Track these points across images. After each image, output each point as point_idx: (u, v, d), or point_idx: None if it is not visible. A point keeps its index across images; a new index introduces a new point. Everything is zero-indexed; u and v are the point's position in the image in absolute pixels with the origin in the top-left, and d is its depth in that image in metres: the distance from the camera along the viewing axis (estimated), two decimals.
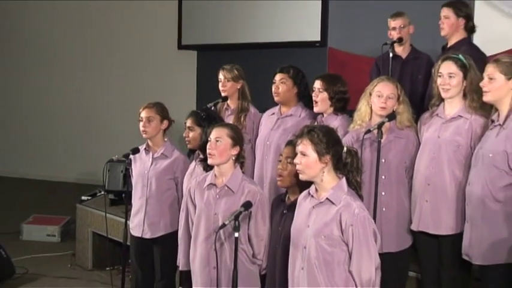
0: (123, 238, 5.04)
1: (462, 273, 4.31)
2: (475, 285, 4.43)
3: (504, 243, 3.86)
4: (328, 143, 3.48)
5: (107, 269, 6.79)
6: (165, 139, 5.06)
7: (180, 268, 4.64)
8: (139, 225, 5.02)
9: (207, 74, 8.62)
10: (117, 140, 8.73)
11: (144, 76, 10.07)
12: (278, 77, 5.13)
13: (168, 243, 4.86)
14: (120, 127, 9.47)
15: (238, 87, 5.51)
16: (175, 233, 4.70)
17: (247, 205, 3.89)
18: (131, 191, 5.11)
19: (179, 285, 4.96)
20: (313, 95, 4.89)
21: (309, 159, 3.48)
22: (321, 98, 4.83)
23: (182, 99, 8.70)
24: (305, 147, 3.48)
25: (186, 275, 4.55)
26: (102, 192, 7.23)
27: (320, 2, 8.07)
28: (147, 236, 4.99)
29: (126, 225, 5.01)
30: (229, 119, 5.37)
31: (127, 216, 5.02)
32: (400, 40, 5.59)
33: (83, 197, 7.51)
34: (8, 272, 6.63)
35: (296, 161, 3.53)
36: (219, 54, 8.73)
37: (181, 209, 4.62)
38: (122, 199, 6.72)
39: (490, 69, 3.96)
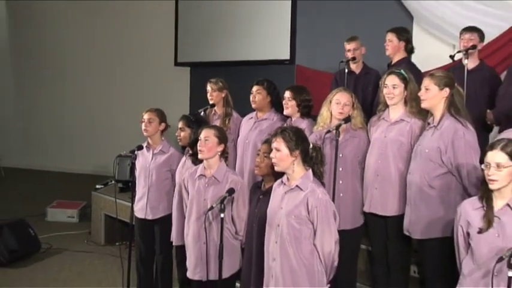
0: (129, 219, 4.96)
1: (404, 246, 4.30)
2: (414, 255, 4.43)
3: (439, 221, 3.85)
4: (298, 140, 3.46)
5: (116, 244, 6.84)
6: (162, 138, 4.99)
7: (174, 243, 4.61)
8: (142, 208, 4.94)
9: (198, 86, 8.54)
10: (123, 139, 8.57)
11: (147, 88, 9.99)
12: (255, 88, 5.10)
13: (166, 223, 4.78)
14: (126, 129, 9.30)
15: (223, 96, 5.49)
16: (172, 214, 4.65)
17: (231, 191, 3.88)
18: (136, 181, 5.03)
19: (175, 257, 4.91)
20: (283, 102, 4.86)
21: (282, 154, 3.45)
22: (290, 105, 4.80)
23: (177, 107, 8.55)
24: (279, 144, 3.46)
25: (179, 249, 4.52)
26: (113, 182, 7.19)
27: (289, 28, 8.06)
28: (149, 217, 4.92)
29: (132, 208, 4.92)
30: (216, 122, 5.33)
31: (133, 201, 4.94)
32: (353, 59, 5.56)
33: (97, 186, 7.47)
34: (35, 247, 6.61)
35: (272, 155, 3.50)
36: (208, 70, 8.66)
37: (174, 195, 4.57)
38: (128, 187, 6.67)
39: (426, 82, 3.94)
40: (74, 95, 10.75)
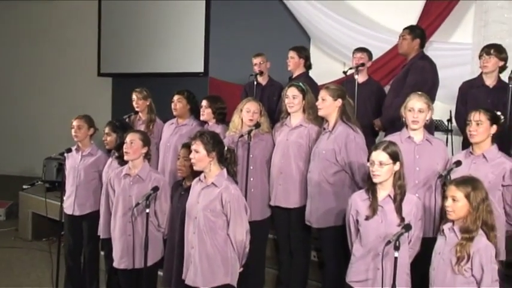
0: (59, 216, 4.84)
1: (305, 234, 4.41)
2: (314, 242, 4.55)
3: (332, 212, 4.01)
4: (214, 143, 3.54)
5: (43, 239, 6.63)
6: (91, 142, 4.93)
7: (101, 236, 4.55)
8: (70, 205, 4.85)
9: (119, 94, 8.47)
10: (49, 143, 8.30)
11: (72, 95, 9.64)
12: (176, 97, 5.14)
13: (93, 218, 4.72)
14: (54, 133, 8.97)
15: (147, 103, 5.49)
16: (99, 211, 4.59)
17: (155, 189, 3.90)
18: (65, 180, 4.93)
19: (101, 249, 4.86)
20: (200, 110, 4.93)
21: (200, 155, 3.52)
22: (206, 112, 4.88)
23: (101, 114, 8.36)
24: (198, 146, 3.53)
25: (106, 242, 4.48)
26: (40, 182, 6.97)
27: (203, 45, 8.14)
28: (77, 213, 4.83)
29: (61, 205, 4.81)
30: (141, 127, 5.32)
31: (62, 199, 4.84)
32: (261, 73, 5.68)
33: (24, 186, 7.22)
34: None
35: (191, 156, 3.57)
36: (129, 81, 8.54)
37: (102, 193, 4.54)
38: (55, 187, 6.57)
39: (322, 93, 4.08)
40: (3, 100, 10.25)
